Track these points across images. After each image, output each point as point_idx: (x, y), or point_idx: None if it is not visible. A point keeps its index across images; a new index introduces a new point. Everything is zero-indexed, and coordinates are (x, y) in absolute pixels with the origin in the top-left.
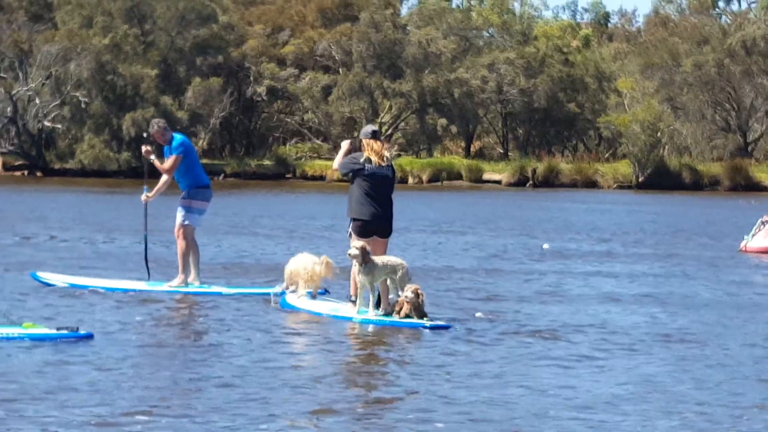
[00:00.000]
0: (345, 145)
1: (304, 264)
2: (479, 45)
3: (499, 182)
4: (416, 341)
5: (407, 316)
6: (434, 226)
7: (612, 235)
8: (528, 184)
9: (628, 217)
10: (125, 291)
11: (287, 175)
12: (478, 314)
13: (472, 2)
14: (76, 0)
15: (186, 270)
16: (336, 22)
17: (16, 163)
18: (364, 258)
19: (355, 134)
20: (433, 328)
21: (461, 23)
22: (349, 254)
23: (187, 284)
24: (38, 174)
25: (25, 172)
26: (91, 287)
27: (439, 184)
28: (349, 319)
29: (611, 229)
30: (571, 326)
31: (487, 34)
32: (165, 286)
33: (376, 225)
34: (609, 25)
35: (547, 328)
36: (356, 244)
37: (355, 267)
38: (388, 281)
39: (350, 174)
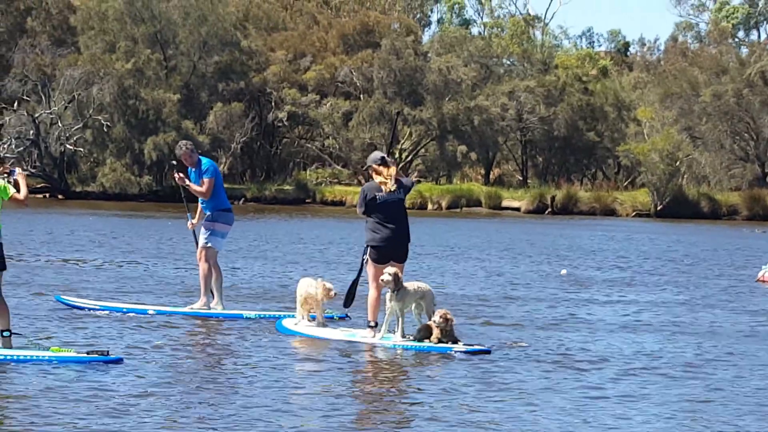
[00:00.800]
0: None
1: (302, 287)
2: (499, 73)
3: (518, 209)
4: (448, 366)
5: (439, 341)
6: (453, 252)
7: (630, 263)
8: (547, 212)
9: (646, 246)
10: (145, 313)
11: (307, 201)
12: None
13: (493, 30)
14: (100, 25)
15: (208, 293)
16: (357, 48)
17: (38, 186)
18: (397, 284)
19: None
20: (471, 352)
21: (482, 51)
22: (382, 280)
23: (209, 308)
24: (59, 197)
25: (47, 195)
26: (113, 309)
27: (458, 210)
28: (377, 345)
29: (630, 257)
30: (592, 354)
31: (508, 62)
32: (187, 309)
33: (392, 250)
34: (629, 54)
35: (566, 355)
36: (389, 270)
37: (371, 291)
38: (414, 306)
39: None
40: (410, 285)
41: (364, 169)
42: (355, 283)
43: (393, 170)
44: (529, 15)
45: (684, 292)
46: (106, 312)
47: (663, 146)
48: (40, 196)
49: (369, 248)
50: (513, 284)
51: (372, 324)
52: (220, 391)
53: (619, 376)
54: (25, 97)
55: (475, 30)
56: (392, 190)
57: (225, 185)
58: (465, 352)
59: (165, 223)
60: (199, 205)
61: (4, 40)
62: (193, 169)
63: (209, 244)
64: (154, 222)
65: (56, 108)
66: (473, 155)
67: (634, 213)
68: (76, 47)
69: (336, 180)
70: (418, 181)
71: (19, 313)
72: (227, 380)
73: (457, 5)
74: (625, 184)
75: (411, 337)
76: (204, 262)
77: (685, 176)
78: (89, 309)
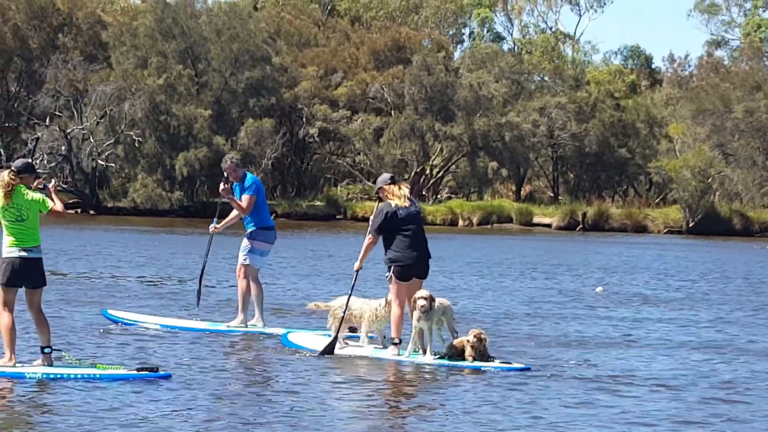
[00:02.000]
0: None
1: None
2: (531, 89)
3: (549, 226)
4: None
5: (475, 358)
6: (484, 269)
7: (663, 280)
8: (578, 228)
9: (680, 263)
10: (188, 330)
11: (338, 217)
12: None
13: (523, 46)
14: (131, 41)
15: (246, 310)
16: (388, 64)
17: (70, 201)
18: (431, 306)
19: (406, 176)
20: (508, 370)
21: (513, 67)
22: (419, 306)
23: (246, 325)
24: (91, 212)
25: (78, 210)
26: (158, 325)
27: (489, 227)
28: (397, 361)
29: (663, 274)
30: (629, 372)
31: (539, 78)
32: (224, 326)
33: (416, 267)
34: (654, 68)
35: (603, 374)
36: (422, 293)
37: (395, 309)
38: (435, 322)
39: (385, 230)
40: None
41: (375, 193)
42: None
43: (405, 189)
44: (559, 31)
45: (718, 310)
46: (156, 327)
47: (695, 163)
48: (72, 211)
49: (393, 265)
50: (547, 302)
51: (396, 341)
52: (257, 408)
53: (652, 395)
54: (57, 113)
55: (505, 46)
56: (407, 205)
57: None
58: (501, 369)
59: (198, 238)
60: (230, 215)
61: (36, 56)
62: (238, 184)
63: (247, 262)
64: (187, 238)
65: (88, 123)
66: (504, 171)
67: (665, 230)
68: (108, 63)
69: (367, 196)
70: (449, 198)
71: (58, 329)
72: (259, 396)
73: (487, 19)
74: (657, 200)
75: (439, 355)
76: (242, 279)
77: (717, 193)
78: (135, 324)
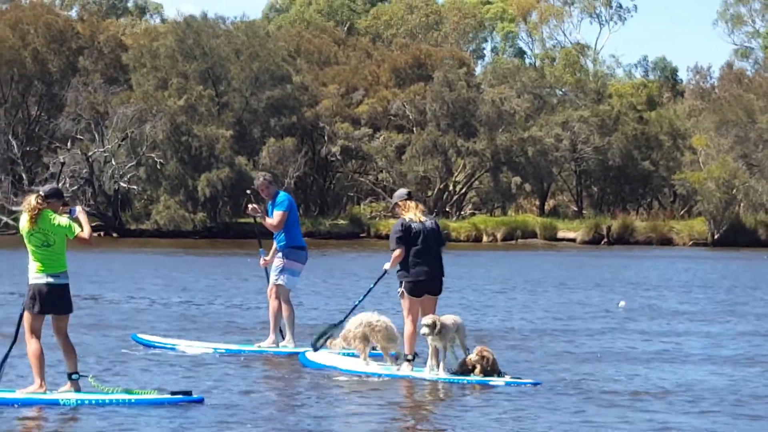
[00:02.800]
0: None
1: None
2: (553, 103)
3: (573, 240)
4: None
5: (485, 374)
6: (509, 285)
7: (690, 293)
8: (603, 242)
9: (705, 275)
10: (218, 351)
11: (362, 235)
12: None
13: (544, 61)
14: (151, 62)
15: (277, 330)
16: (409, 81)
17: (93, 224)
18: (435, 330)
19: (429, 193)
20: (516, 384)
21: (535, 81)
22: (424, 334)
23: (277, 345)
24: (114, 235)
25: (101, 233)
26: (189, 348)
27: (513, 242)
28: (420, 378)
29: (689, 287)
30: (655, 388)
31: (561, 92)
32: (255, 346)
33: (429, 284)
34: (678, 80)
35: (627, 390)
36: (426, 321)
37: (407, 325)
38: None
39: (404, 244)
40: (446, 319)
41: (390, 208)
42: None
43: (414, 205)
44: (579, 45)
45: (748, 323)
46: (187, 350)
47: (719, 174)
48: (95, 234)
49: (405, 281)
50: (570, 317)
51: (410, 357)
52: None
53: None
54: (78, 136)
55: (527, 61)
56: (422, 220)
57: None
58: (511, 384)
59: (222, 260)
60: (274, 243)
61: (57, 80)
62: (270, 202)
63: (279, 282)
64: (211, 259)
65: (110, 146)
66: (528, 186)
67: (691, 242)
68: (129, 85)
69: (390, 214)
70: (472, 214)
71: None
72: (288, 418)
73: (511, 33)
74: (682, 213)
75: (452, 371)
76: (274, 299)
77: (742, 204)
78: (165, 347)
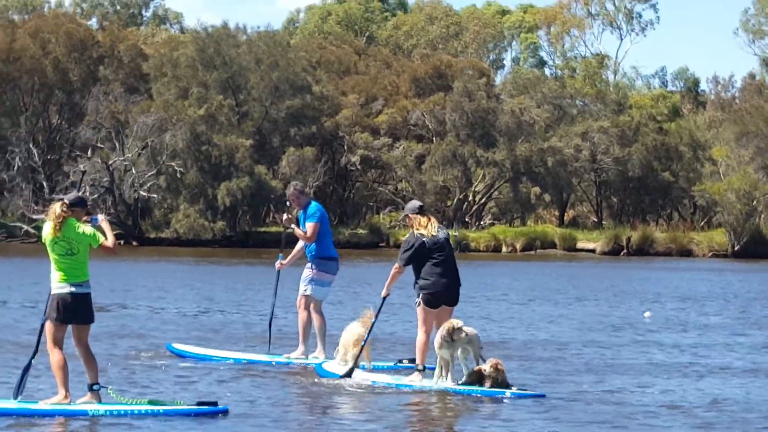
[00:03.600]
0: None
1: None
2: (573, 113)
3: (593, 251)
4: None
5: (494, 387)
6: (530, 295)
7: (712, 305)
8: (622, 253)
9: (726, 287)
10: (251, 362)
11: (381, 244)
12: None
13: (565, 71)
14: (172, 72)
15: (307, 341)
16: (429, 91)
17: (113, 233)
18: (451, 338)
19: (449, 203)
20: (522, 396)
21: (555, 92)
22: (438, 346)
23: (307, 357)
24: (134, 243)
25: (121, 242)
26: (218, 359)
27: (532, 252)
28: (418, 387)
29: (711, 298)
30: (678, 402)
31: (581, 103)
32: (283, 357)
33: (446, 295)
34: (700, 91)
35: (654, 403)
36: (441, 332)
37: (420, 335)
38: (460, 351)
39: (413, 261)
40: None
41: (401, 219)
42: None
43: (425, 219)
44: (600, 55)
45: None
46: (217, 360)
47: (739, 185)
48: None
49: (422, 293)
50: (592, 329)
51: (420, 368)
52: None
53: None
54: (99, 145)
55: (547, 71)
56: (435, 234)
57: None
58: (518, 396)
59: (242, 269)
60: (296, 248)
61: (77, 89)
62: (302, 212)
63: (308, 292)
64: (231, 269)
65: (130, 155)
66: (547, 197)
67: (710, 253)
68: (149, 94)
69: (402, 223)
70: (491, 224)
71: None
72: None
73: (533, 44)
74: (702, 224)
75: (460, 382)
76: (303, 309)
77: (762, 215)
78: (198, 358)
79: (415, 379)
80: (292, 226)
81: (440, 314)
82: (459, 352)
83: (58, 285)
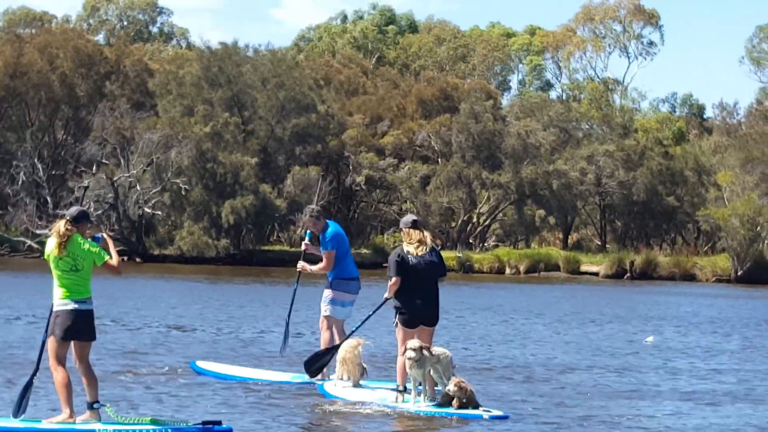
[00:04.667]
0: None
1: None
2: (578, 137)
3: (596, 274)
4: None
5: (461, 406)
6: (533, 318)
7: (715, 330)
8: (626, 277)
9: (729, 312)
10: (267, 382)
11: (384, 265)
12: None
13: (572, 92)
14: (177, 89)
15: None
16: (435, 113)
17: (117, 249)
18: (422, 357)
19: (453, 224)
20: (492, 418)
21: (561, 115)
22: (409, 358)
23: (328, 378)
24: (137, 260)
25: (125, 258)
26: (240, 378)
27: (536, 275)
28: (404, 409)
29: (714, 324)
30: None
31: (587, 126)
32: (306, 377)
33: (423, 315)
34: (705, 117)
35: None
36: (413, 344)
37: (406, 360)
38: (432, 371)
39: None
40: (433, 350)
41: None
42: (327, 351)
43: (417, 234)
44: (609, 79)
45: None
46: (229, 381)
47: (744, 211)
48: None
49: (399, 313)
50: (594, 354)
51: (401, 389)
52: None
53: None
54: (104, 161)
55: (553, 94)
56: (422, 253)
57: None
58: (488, 418)
59: (245, 288)
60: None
61: (83, 104)
62: (321, 236)
63: (328, 313)
64: (235, 287)
65: (135, 171)
66: (552, 219)
67: (714, 278)
68: (155, 111)
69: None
70: (495, 246)
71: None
72: None
73: (538, 66)
74: (705, 249)
75: (435, 403)
76: (325, 330)
77: (766, 241)
78: (222, 377)
79: (397, 400)
80: (310, 268)
81: (420, 335)
82: (431, 372)
83: (62, 302)
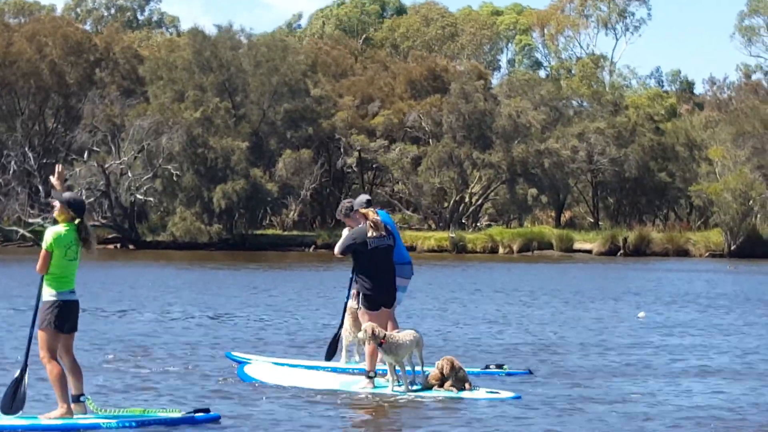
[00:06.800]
0: (346, 234)
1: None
2: (569, 115)
3: (589, 251)
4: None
5: (452, 387)
6: (527, 297)
7: (707, 305)
8: (619, 254)
9: (722, 287)
10: (324, 370)
11: None
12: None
13: (560, 71)
14: (168, 75)
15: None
16: (425, 93)
17: (109, 236)
18: (376, 339)
19: (445, 205)
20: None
21: (551, 93)
22: (360, 338)
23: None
24: (130, 246)
25: (117, 245)
26: (287, 365)
27: (529, 253)
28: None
29: (707, 298)
30: (667, 405)
31: (577, 104)
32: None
33: (384, 297)
34: (695, 93)
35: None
36: (365, 326)
37: (369, 345)
38: (415, 354)
39: (351, 252)
40: (401, 336)
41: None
42: (336, 335)
43: (374, 214)
44: (594, 55)
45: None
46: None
47: (736, 186)
48: (111, 246)
49: (362, 296)
50: (589, 329)
51: (371, 375)
52: None
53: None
54: (95, 148)
55: (542, 73)
56: (383, 235)
57: (295, 232)
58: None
59: (242, 274)
60: None
61: (73, 92)
62: None
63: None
64: (231, 273)
65: (126, 158)
66: (544, 198)
67: (707, 253)
68: (145, 97)
69: (406, 225)
70: (488, 225)
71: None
72: None
73: (528, 46)
74: (698, 224)
75: (417, 387)
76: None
77: (759, 215)
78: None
79: (367, 387)
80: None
81: (380, 317)
82: (413, 355)
83: (64, 292)
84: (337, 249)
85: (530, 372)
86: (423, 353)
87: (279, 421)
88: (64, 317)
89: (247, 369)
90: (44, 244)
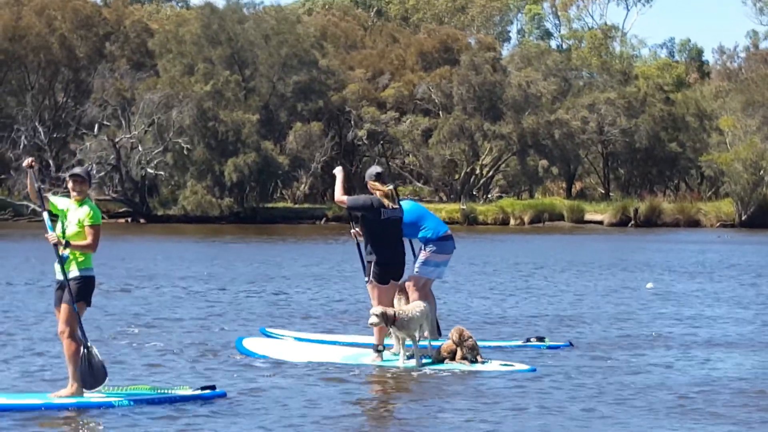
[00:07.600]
0: (339, 173)
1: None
2: (579, 86)
3: (600, 222)
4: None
5: (463, 358)
6: (538, 268)
7: (719, 275)
8: (630, 224)
9: (733, 257)
10: (347, 344)
11: None
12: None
13: (571, 42)
14: (177, 48)
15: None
16: (435, 65)
17: (120, 210)
18: (389, 321)
19: (456, 177)
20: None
21: (561, 64)
22: (371, 323)
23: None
24: (141, 221)
25: (128, 219)
26: (318, 341)
27: (540, 225)
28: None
29: (717, 269)
30: (675, 376)
31: (587, 75)
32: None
33: (395, 270)
34: (705, 62)
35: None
36: (375, 311)
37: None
38: (424, 327)
39: (359, 214)
40: (412, 308)
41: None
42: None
43: (384, 187)
44: (606, 25)
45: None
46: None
47: (746, 155)
48: (122, 220)
49: (376, 266)
50: (597, 300)
51: (380, 348)
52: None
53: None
54: (105, 122)
55: (553, 43)
56: (394, 207)
57: (306, 205)
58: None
59: (253, 247)
60: None
61: (83, 66)
62: None
63: (417, 272)
64: (243, 246)
65: (136, 132)
66: (554, 169)
67: (718, 223)
68: (155, 71)
69: (417, 197)
70: (499, 197)
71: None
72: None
73: (537, 15)
74: (709, 194)
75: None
76: (413, 291)
77: None
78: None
79: (376, 360)
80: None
81: (388, 291)
82: (423, 328)
83: (91, 267)
84: (346, 198)
85: (571, 344)
86: (441, 325)
87: (286, 397)
88: (92, 292)
89: (246, 342)
90: (97, 221)
